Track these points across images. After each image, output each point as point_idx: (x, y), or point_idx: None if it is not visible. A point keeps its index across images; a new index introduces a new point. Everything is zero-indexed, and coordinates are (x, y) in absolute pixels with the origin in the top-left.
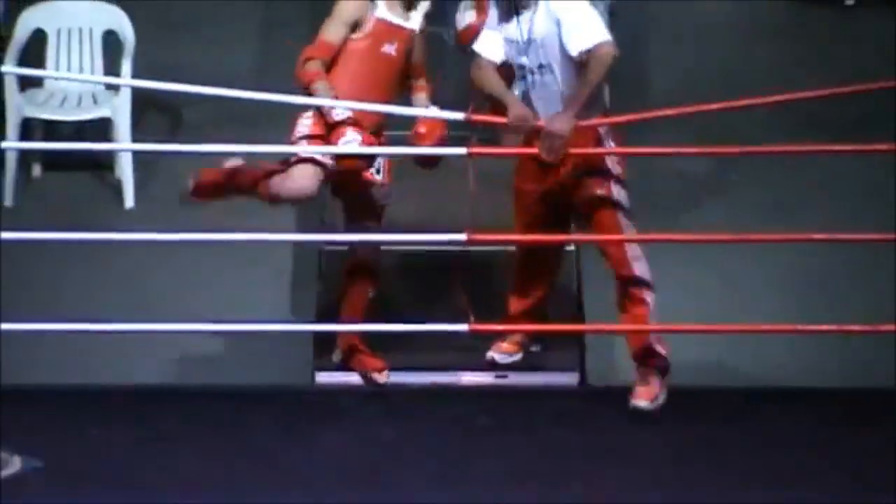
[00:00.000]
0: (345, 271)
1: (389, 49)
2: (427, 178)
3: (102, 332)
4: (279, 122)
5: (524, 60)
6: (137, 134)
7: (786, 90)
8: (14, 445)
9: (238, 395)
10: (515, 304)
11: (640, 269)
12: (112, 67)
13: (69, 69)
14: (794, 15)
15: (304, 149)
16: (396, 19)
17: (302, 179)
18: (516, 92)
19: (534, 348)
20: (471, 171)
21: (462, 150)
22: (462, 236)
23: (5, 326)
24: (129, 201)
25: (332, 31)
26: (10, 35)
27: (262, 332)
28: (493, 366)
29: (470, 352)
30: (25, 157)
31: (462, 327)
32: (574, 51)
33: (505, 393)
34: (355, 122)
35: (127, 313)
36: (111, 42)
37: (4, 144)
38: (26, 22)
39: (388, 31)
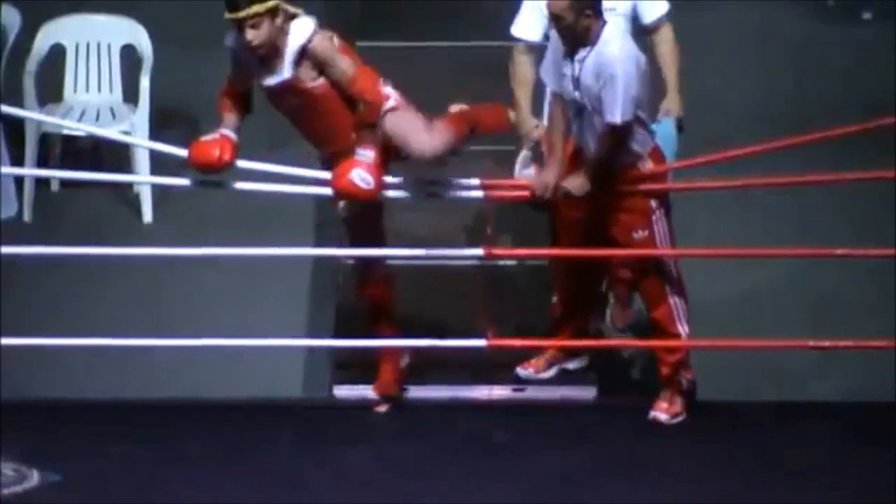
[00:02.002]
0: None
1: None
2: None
3: (121, 348)
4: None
5: (577, 96)
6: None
7: (807, 104)
8: (33, 460)
9: (256, 409)
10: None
11: (679, 318)
12: (130, 82)
13: (88, 84)
14: (813, 29)
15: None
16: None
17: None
18: (574, 127)
19: (571, 365)
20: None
21: (475, 182)
22: (480, 251)
23: (5, 342)
24: (148, 216)
25: (350, 62)
26: (28, 49)
27: (280, 348)
28: (518, 381)
29: (488, 366)
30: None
31: (480, 343)
32: (603, 119)
33: (523, 407)
34: None
35: (145, 328)
36: (130, 56)
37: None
38: (45, 36)
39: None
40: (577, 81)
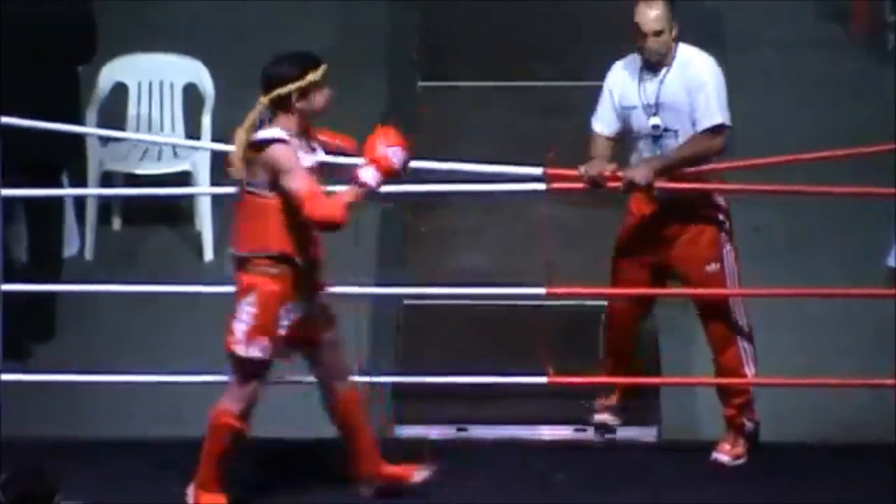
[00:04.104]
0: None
1: None
2: (505, 229)
3: (175, 384)
4: None
5: (655, 122)
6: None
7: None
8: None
9: (316, 447)
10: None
11: (747, 361)
12: (192, 121)
13: (150, 122)
14: (839, 60)
15: None
16: (311, 159)
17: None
18: (645, 153)
19: (612, 421)
20: (549, 222)
21: (541, 186)
22: (542, 290)
23: (11, 376)
24: (209, 254)
25: (300, 179)
26: (92, 87)
27: None
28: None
29: (548, 404)
30: (106, 210)
31: (541, 380)
32: (698, 127)
33: (583, 447)
34: None
35: (205, 364)
36: (191, 95)
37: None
38: (108, 75)
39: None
40: (656, 106)
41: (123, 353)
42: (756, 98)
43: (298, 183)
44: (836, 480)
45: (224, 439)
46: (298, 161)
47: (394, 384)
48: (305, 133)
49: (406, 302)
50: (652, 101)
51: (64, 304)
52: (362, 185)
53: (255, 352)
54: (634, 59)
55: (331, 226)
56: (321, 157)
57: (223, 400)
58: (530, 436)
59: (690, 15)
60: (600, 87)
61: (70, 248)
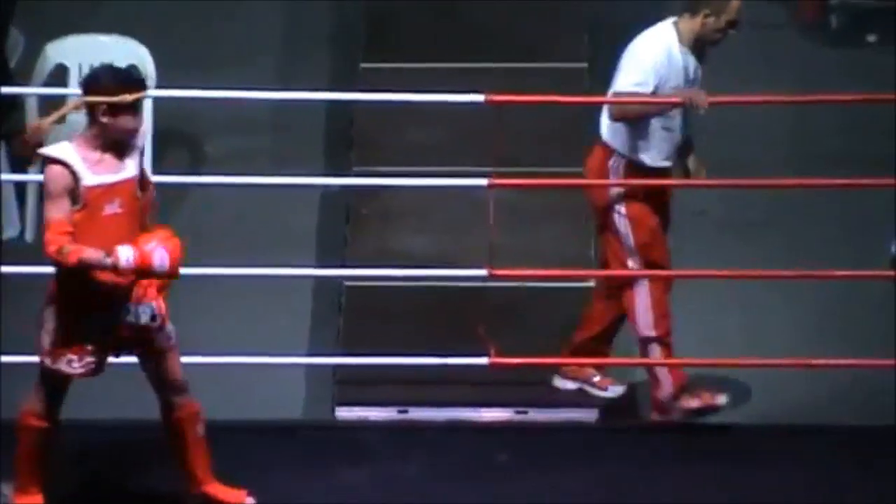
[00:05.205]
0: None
1: (113, 209)
2: (447, 213)
3: (116, 366)
4: (304, 158)
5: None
6: (159, 168)
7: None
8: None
9: (258, 430)
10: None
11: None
12: None
13: None
14: (782, 41)
15: None
16: (109, 177)
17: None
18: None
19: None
20: (490, 203)
21: (483, 182)
22: (484, 272)
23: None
24: None
25: (57, 209)
26: (31, 70)
27: (282, 367)
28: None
29: (489, 387)
30: None
31: (482, 361)
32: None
33: (524, 429)
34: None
35: None
36: None
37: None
38: (48, 57)
39: (105, 193)
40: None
41: None
42: (702, 79)
43: (49, 212)
44: (776, 461)
45: (32, 439)
46: (62, 189)
47: (335, 366)
48: (120, 148)
49: (348, 284)
50: (696, 74)
51: (3, 286)
52: (114, 258)
53: (61, 365)
54: (671, 35)
55: (55, 263)
56: (129, 173)
57: (28, 401)
58: (472, 417)
59: None
60: (544, 68)
61: (10, 231)
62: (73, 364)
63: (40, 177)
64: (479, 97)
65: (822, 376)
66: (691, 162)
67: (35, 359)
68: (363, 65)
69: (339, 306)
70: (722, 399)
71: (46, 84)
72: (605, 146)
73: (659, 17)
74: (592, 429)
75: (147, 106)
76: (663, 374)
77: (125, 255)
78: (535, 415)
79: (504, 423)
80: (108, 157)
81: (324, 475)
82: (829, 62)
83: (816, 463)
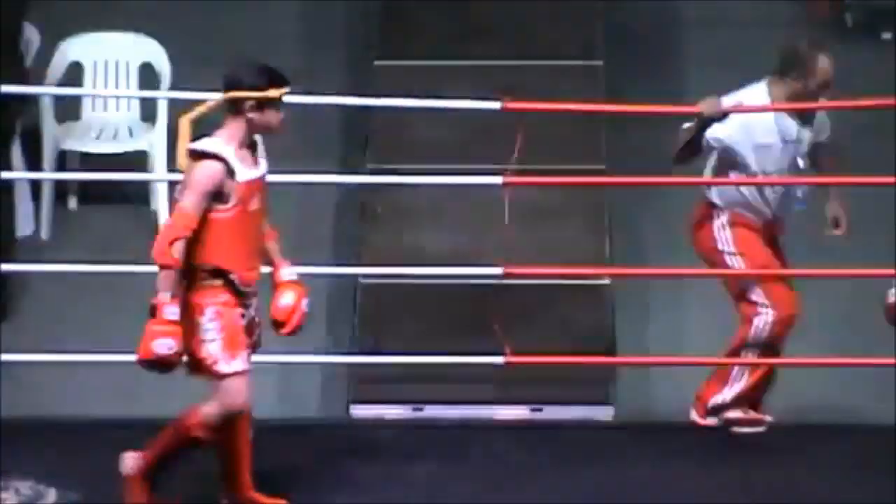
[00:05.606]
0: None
1: (254, 206)
2: (461, 211)
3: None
4: (319, 156)
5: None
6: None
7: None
8: (51, 478)
9: (273, 428)
10: None
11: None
12: (148, 100)
13: (106, 101)
14: (799, 40)
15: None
16: (252, 173)
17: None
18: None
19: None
20: (505, 201)
21: (498, 180)
22: (499, 270)
23: (6, 357)
24: None
25: (195, 202)
26: (47, 66)
27: (297, 365)
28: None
29: (504, 385)
30: (61, 190)
31: (498, 359)
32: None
33: (540, 427)
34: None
35: None
36: (148, 75)
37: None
38: (64, 54)
39: (249, 189)
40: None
41: (74, 333)
42: (716, 78)
43: (187, 200)
44: (792, 459)
45: (184, 447)
46: (211, 185)
47: (350, 364)
48: (252, 145)
49: (363, 282)
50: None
51: (18, 284)
52: (158, 311)
53: (238, 365)
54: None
55: (155, 256)
56: (262, 171)
57: (198, 412)
58: (487, 415)
59: None
60: (560, 66)
61: (25, 229)
62: (245, 359)
63: (53, 175)
64: (496, 104)
65: (836, 373)
66: (830, 207)
67: (35, 358)
68: (378, 62)
69: (353, 304)
70: (768, 417)
71: (61, 82)
72: (710, 203)
73: (673, 14)
74: (608, 427)
75: (162, 105)
76: (732, 378)
77: (165, 343)
78: (551, 412)
79: (519, 421)
80: (246, 154)
81: (339, 473)
82: (844, 60)
83: (839, 463)
